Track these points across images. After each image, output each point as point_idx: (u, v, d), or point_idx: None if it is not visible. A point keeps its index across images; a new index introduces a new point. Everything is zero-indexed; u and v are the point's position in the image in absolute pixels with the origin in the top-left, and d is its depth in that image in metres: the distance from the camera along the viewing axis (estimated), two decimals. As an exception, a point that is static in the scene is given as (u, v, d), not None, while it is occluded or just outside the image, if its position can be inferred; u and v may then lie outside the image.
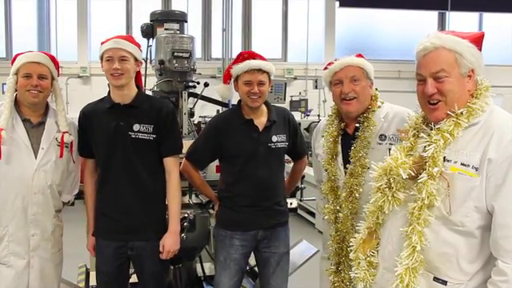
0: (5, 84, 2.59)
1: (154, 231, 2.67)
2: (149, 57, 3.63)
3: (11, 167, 2.50)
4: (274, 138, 2.77)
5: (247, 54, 2.74)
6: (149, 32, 3.60)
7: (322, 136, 2.58)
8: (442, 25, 10.83)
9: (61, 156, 2.61)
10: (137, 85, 2.72)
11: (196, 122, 3.77)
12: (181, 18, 3.65)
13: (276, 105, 2.96)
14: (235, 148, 2.73)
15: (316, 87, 8.34)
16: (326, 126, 2.56)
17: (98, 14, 9.69)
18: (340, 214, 2.44)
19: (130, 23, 9.87)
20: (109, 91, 2.69)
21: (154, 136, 2.62)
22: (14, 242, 2.53)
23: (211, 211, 3.02)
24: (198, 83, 3.65)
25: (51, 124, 2.63)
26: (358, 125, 2.44)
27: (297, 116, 8.34)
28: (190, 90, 3.56)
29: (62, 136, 2.61)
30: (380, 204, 1.89)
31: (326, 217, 2.52)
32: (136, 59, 2.63)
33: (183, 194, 2.87)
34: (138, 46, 2.69)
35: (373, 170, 1.91)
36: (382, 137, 2.41)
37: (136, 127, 2.61)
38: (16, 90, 2.56)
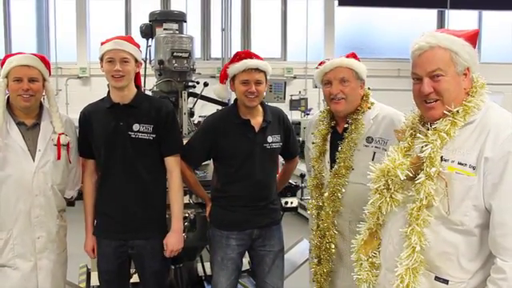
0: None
1: (154, 230, 2.68)
2: (148, 57, 3.63)
3: (10, 172, 2.49)
4: (270, 139, 2.77)
5: (244, 54, 2.74)
6: (148, 32, 3.60)
7: (313, 133, 2.61)
8: (441, 23, 10.82)
9: (58, 158, 2.60)
10: (136, 85, 2.72)
11: (196, 122, 3.77)
12: (180, 18, 3.65)
13: (270, 104, 2.96)
14: (232, 148, 2.73)
15: (316, 86, 8.29)
16: (317, 123, 2.60)
17: (97, 14, 9.68)
18: (322, 212, 2.49)
19: (129, 23, 9.87)
20: (108, 91, 2.69)
21: (154, 136, 2.63)
22: (19, 244, 2.52)
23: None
24: (198, 83, 3.65)
25: (46, 125, 2.61)
26: (346, 125, 2.47)
27: (296, 115, 8.40)
28: (190, 90, 3.56)
29: (59, 138, 2.60)
30: (378, 205, 1.89)
31: (309, 211, 2.61)
32: (136, 60, 2.63)
33: (184, 193, 2.87)
34: (138, 46, 2.69)
35: (371, 171, 1.91)
36: (369, 139, 2.44)
37: (136, 127, 2.61)
38: (7, 93, 2.54)
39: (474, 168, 1.68)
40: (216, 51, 9.63)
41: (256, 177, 2.73)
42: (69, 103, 8.83)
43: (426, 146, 1.76)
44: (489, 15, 11.13)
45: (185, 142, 2.88)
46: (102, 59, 2.61)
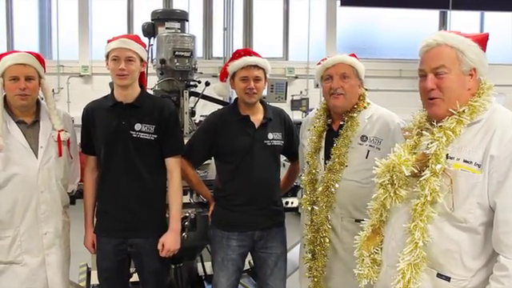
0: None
1: (153, 229, 2.68)
2: (150, 56, 3.63)
3: (15, 170, 2.50)
4: (270, 136, 2.78)
5: (243, 52, 2.78)
6: (150, 31, 3.60)
7: (309, 129, 2.64)
8: (443, 24, 10.79)
9: (60, 155, 2.62)
10: (140, 84, 2.73)
11: (197, 121, 3.77)
12: (182, 17, 3.65)
13: (273, 105, 2.96)
14: (231, 144, 2.73)
15: (317, 86, 8.30)
16: (314, 120, 2.64)
17: (100, 12, 9.68)
18: (316, 207, 2.51)
19: (131, 22, 9.85)
20: (112, 89, 2.69)
21: (156, 136, 2.63)
22: (26, 241, 2.54)
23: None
24: (199, 82, 3.65)
25: (46, 122, 2.63)
26: (342, 123, 2.51)
27: (298, 115, 8.39)
28: (191, 89, 3.56)
29: (59, 134, 2.61)
30: (382, 200, 1.90)
31: (302, 206, 2.62)
32: (142, 59, 2.64)
33: (184, 193, 2.87)
34: (144, 45, 2.72)
35: (376, 166, 1.93)
36: (364, 138, 2.48)
37: (137, 127, 2.62)
38: (4, 92, 2.54)
39: (479, 166, 1.69)
40: (218, 50, 9.62)
41: (256, 174, 2.73)
42: (70, 101, 8.82)
43: (432, 143, 1.77)
44: (491, 16, 11.11)
45: (186, 141, 2.89)
46: (107, 57, 2.61)
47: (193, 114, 3.63)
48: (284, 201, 3.18)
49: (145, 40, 3.26)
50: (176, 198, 2.70)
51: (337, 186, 2.45)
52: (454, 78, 1.77)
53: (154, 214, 2.70)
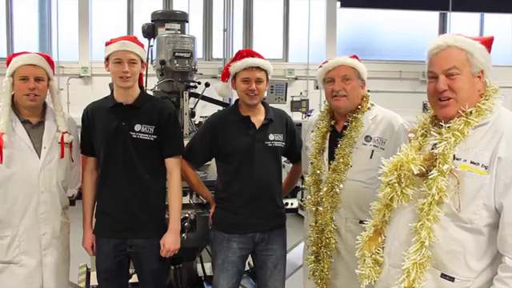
0: (6, 84, 2.59)
1: (153, 230, 2.68)
2: (150, 57, 3.63)
3: (16, 169, 2.50)
4: (271, 137, 2.77)
5: (246, 53, 2.77)
6: (150, 32, 3.60)
7: (312, 131, 2.64)
8: (443, 25, 10.81)
9: (62, 156, 2.63)
10: (139, 85, 2.73)
11: (197, 123, 3.77)
12: (182, 18, 3.66)
13: (274, 107, 2.96)
14: (231, 144, 2.73)
15: (317, 87, 8.33)
16: (317, 122, 2.64)
17: (100, 13, 9.68)
18: (320, 207, 2.51)
19: (131, 23, 9.86)
20: (112, 90, 2.70)
21: (155, 137, 2.64)
22: (25, 241, 2.55)
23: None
24: (199, 83, 3.65)
25: (50, 123, 2.64)
26: (346, 123, 2.52)
27: (298, 116, 8.40)
28: (191, 90, 3.56)
29: (62, 136, 2.62)
30: (388, 199, 1.90)
31: (307, 208, 2.61)
32: (142, 61, 2.65)
33: (184, 194, 2.87)
34: (142, 46, 2.71)
35: (382, 165, 1.94)
36: (368, 138, 2.49)
37: (137, 127, 2.62)
38: (13, 91, 2.56)
39: (486, 167, 1.71)
40: (218, 52, 9.63)
41: (256, 174, 2.72)
42: (70, 102, 8.81)
43: (440, 143, 1.78)
44: (490, 18, 11.11)
45: (186, 142, 2.89)
46: (107, 59, 2.61)
47: (192, 114, 3.63)
48: (284, 202, 3.18)
49: (144, 41, 3.26)
50: (176, 198, 2.70)
51: (341, 186, 2.45)
52: (465, 79, 1.79)
53: (153, 214, 2.70)
